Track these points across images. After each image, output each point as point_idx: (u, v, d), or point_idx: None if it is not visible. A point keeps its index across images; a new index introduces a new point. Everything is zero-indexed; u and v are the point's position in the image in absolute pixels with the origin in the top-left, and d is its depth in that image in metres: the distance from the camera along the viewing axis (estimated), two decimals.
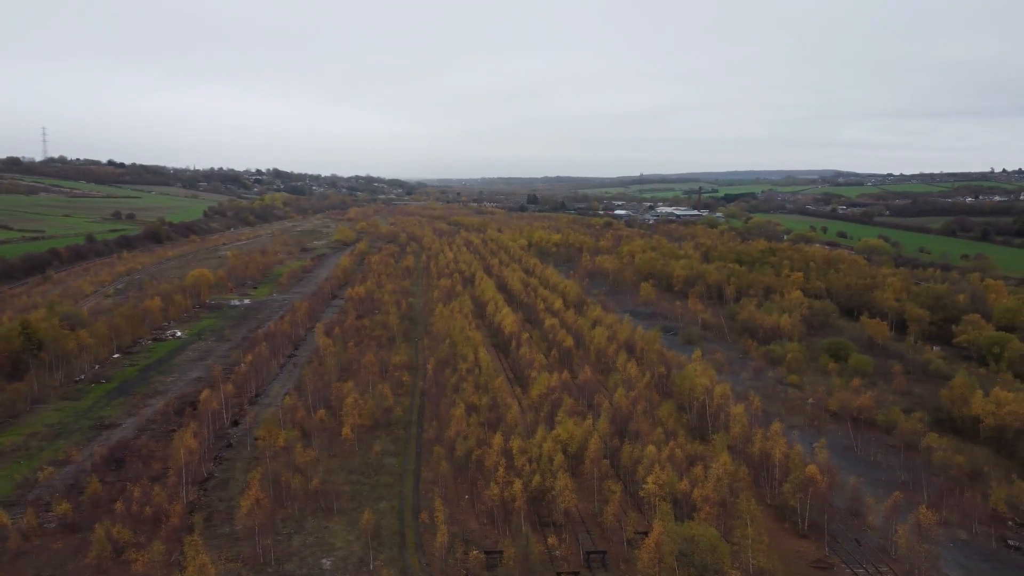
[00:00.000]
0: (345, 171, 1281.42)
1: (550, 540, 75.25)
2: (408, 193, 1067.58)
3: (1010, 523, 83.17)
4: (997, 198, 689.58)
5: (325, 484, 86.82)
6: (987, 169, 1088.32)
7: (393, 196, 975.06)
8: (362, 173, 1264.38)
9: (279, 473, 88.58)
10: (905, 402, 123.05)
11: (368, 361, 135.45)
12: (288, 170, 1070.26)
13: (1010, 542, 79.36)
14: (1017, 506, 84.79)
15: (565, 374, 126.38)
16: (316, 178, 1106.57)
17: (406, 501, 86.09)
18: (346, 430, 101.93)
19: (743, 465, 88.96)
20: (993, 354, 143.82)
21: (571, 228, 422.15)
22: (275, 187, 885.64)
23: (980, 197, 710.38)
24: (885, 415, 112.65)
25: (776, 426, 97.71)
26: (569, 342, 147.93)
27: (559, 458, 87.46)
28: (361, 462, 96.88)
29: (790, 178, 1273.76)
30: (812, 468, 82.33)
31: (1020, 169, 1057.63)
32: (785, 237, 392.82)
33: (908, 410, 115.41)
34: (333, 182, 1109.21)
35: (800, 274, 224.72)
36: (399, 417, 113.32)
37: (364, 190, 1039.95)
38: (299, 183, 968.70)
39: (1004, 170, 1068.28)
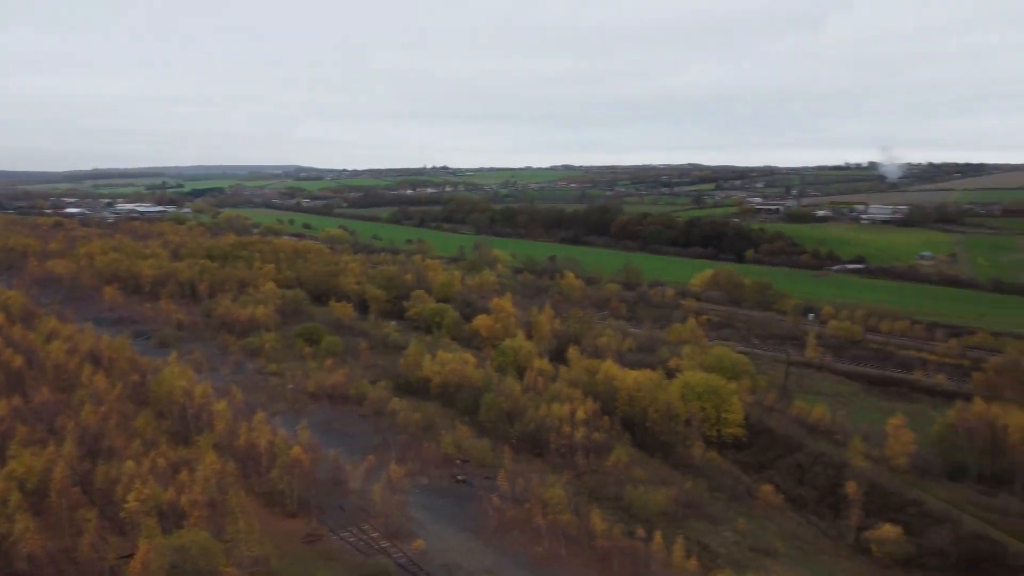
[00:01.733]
0: None
1: None
2: None
3: (457, 462, 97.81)
4: (429, 190, 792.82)
5: None
6: (421, 165, 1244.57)
7: None
8: None
9: None
10: (372, 374, 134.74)
11: None
12: None
13: (459, 478, 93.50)
14: (460, 446, 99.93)
15: (16, 399, 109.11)
16: None
17: None
18: None
19: (231, 461, 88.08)
20: (436, 323, 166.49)
21: (11, 230, 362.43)
22: None
23: (417, 189, 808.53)
24: (356, 388, 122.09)
25: (260, 416, 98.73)
26: (18, 361, 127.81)
27: (15, 497, 75.60)
28: None
29: (256, 173, 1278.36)
30: (296, 449, 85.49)
31: (444, 165, 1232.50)
32: (255, 231, 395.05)
33: (375, 380, 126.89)
34: None
35: (272, 266, 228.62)
36: None
37: None
38: None
39: (433, 166, 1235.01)
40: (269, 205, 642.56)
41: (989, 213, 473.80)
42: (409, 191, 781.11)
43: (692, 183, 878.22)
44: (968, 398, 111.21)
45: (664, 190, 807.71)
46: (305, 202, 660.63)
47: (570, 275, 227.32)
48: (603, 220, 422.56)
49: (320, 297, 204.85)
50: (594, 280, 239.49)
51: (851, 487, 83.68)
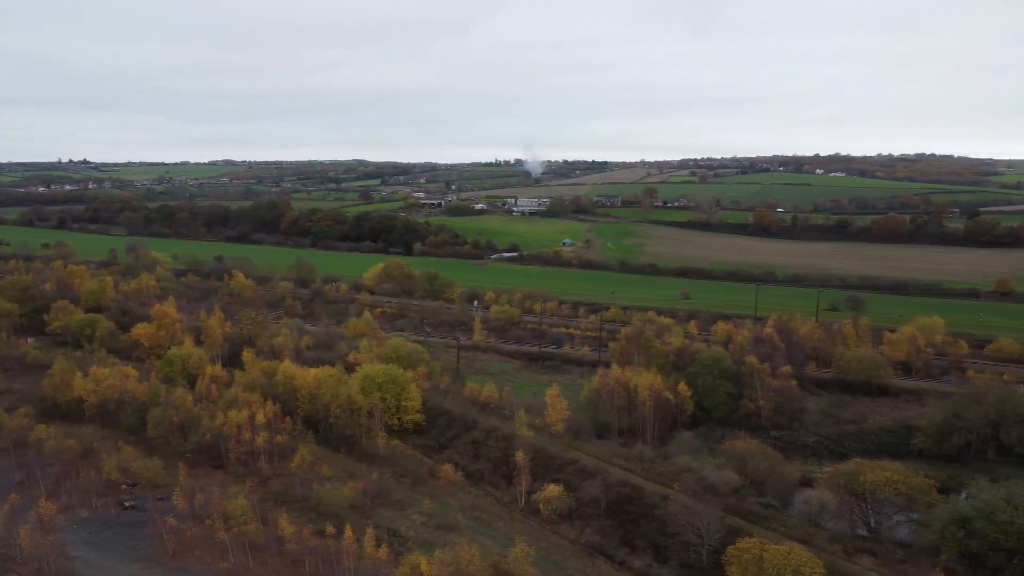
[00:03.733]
0: None
1: None
2: None
3: (124, 487, 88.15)
4: (68, 187, 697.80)
5: None
6: (55, 159, 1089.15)
7: None
8: None
9: None
10: (8, 400, 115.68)
11: None
12: None
13: (126, 503, 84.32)
14: (126, 469, 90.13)
15: None
16: None
17: None
18: None
19: None
20: (86, 336, 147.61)
21: None
22: None
23: (52, 186, 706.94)
24: None
25: None
26: None
27: None
28: None
29: None
30: None
31: (85, 160, 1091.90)
32: None
33: (12, 408, 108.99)
34: None
35: None
36: None
37: None
38: None
39: (71, 160, 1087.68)
40: None
41: (613, 204, 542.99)
42: (43, 188, 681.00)
43: (358, 179, 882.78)
44: (607, 365, 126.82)
45: (331, 186, 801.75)
46: None
47: (239, 275, 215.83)
48: (271, 217, 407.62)
49: None
50: (266, 279, 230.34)
51: (519, 456, 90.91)
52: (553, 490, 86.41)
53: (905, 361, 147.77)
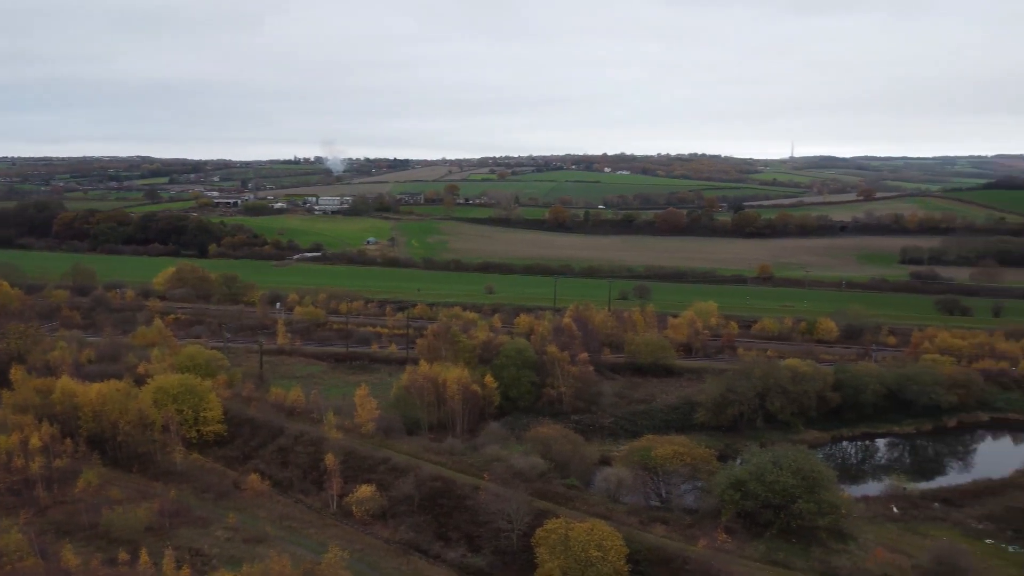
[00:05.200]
0: None
1: None
2: None
3: None
4: None
5: None
6: None
7: None
8: None
9: None
10: None
11: None
12: None
13: None
14: None
15: None
16: None
17: None
18: None
19: None
20: None
21: None
22: None
23: None
24: None
25: None
26: None
27: None
28: None
29: None
30: None
31: None
32: None
33: None
34: None
35: None
36: None
37: None
38: None
39: None
40: None
41: (416, 202, 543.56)
42: None
43: (144, 176, 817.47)
44: (415, 362, 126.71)
45: (113, 184, 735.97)
46: None
47: (4, 284, 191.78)
48: (41, 218, 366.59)
49: None
50: (37, 287, 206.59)
51: (329, 459, 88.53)
52: (365, 491, 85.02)
53: (686, 343, 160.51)
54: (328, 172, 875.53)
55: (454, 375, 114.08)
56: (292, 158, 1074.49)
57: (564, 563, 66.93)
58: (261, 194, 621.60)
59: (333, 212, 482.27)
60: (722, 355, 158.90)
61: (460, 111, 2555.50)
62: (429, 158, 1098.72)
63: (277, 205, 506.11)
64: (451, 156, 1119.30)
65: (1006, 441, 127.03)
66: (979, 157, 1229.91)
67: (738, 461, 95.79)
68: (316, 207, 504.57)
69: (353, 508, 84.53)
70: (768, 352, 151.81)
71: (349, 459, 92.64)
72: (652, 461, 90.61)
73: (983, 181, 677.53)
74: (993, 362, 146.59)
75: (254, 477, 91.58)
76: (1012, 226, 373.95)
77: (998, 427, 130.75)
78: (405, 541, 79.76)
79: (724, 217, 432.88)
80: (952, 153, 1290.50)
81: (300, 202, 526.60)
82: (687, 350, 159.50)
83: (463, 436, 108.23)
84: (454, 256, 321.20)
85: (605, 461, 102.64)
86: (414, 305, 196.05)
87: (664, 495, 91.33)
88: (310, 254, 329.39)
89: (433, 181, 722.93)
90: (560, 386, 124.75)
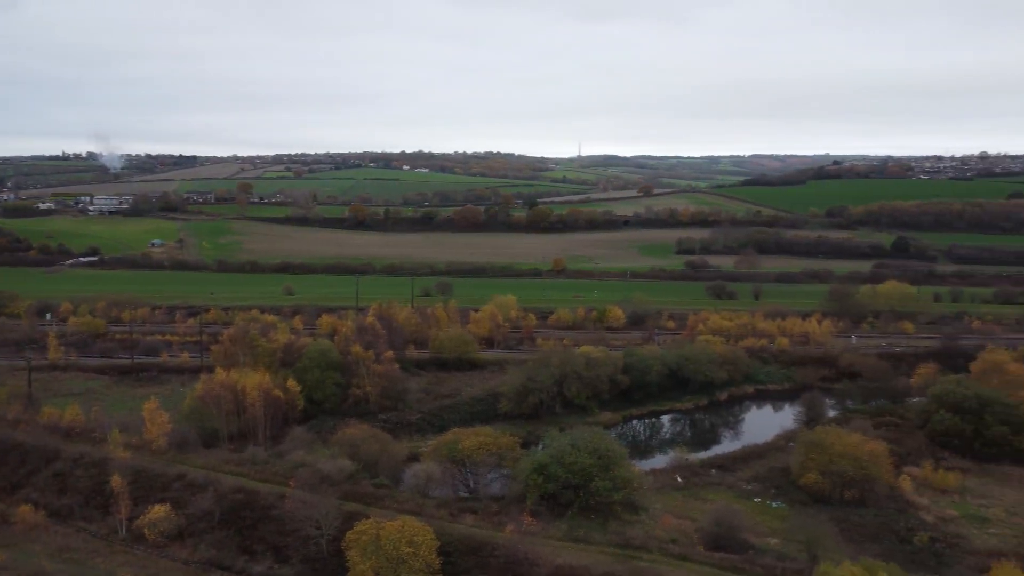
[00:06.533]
0: None
1: None
2: None
3: None
4: None
5: None
6: None
7: None
8: None
9: None
10: None
11: None
12: None
13: None
14: None
15: None
16: None
17: None
18: None
19: None
20: None
21: None
22: None
23: None
24: None
25: None
26: None
27: None
28: None
29: None
30: None
31: None
32: None
33: None
34: None
35: None
36: None
37: None
38: None
39: None
40: None
41: (206, 201, 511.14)
42: None
43: None
44: (211, 370, 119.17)
45: None
46: None
47: None
48: None
49: None
50: None
51: (115, 480, 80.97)
52: (159, 511, 78.67)
53: (489, 336, 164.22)
54: (104, 169, 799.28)
55: (254, 381, 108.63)
56: (60, 154, 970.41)
57: (376, 563, 66.11)
58: (24, 193, 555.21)
59: (111, 213, 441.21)
60: (522, 346, 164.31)
61: (251, 106, 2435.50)
62: (219, 155, 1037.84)
63: (44, 205, 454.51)
64: (243, 153, 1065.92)
65: (767, 410, 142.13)
66: (739, 157, 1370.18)
67: (540, 446, 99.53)
68: (91, 207, 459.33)
69: (146, 531, 77.92)
70: (564, 341, 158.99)
71: (139, 479, 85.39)
72: (459, 453, 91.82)
73: (742, 178, 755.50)
74: (755, 340, 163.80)
75: (25, 508, 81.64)
76: (766, 218, 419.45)
77: (761, 398, 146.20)
78: (206, 560, 74.89)
79: (519, 213, 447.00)
80: (717, 153, 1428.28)
81: (71, 202, 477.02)
82: (489, 343, 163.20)
83: (266, 444, 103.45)
84: (250, 257, 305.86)
85: (414, 457, 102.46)
86: (207, 310, 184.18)
87: (472, 485, 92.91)
88: (85, 259, 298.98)
89: (224, 179, 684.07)
90: (366, 385, 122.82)
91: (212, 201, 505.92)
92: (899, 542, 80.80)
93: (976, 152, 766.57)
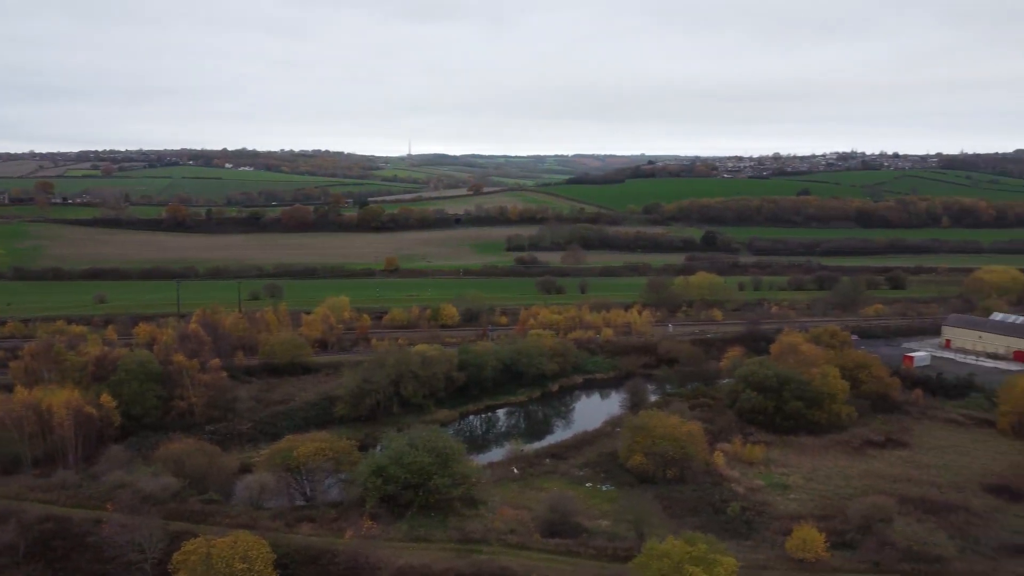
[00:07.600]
0: None
1: None
2: None
3: None
4: None
5: None
6: None
7: None
8: None
9: None
10: None
11: None
12: None
13: None
14: None
15: None
16: None
17: None
18: None
19: None
20: None
21: None
22: None
23: None
24: None
25: None
26: None
27: None
28: None
29: None
30: None
31: None
32: None
33: None
34: None
35: None
36: None
37: None
38: None
39: None
40: None
41: (0, 202, 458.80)
42: None
43: None
44: (10, 389, 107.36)
45: None
46: None
47: None
48: None
49: None
50: None
51: None
52: None
53: (322, 339, 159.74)
54: None
55: (61, 398, 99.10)
56: None
57: None
58: None
59: None
60: (357, 347, 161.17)
61: (52, 98, 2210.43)
62: (14, 151, 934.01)
63: None
64: (41, 149, 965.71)
65: (596, 398, 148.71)
66: (563, 156, 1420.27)
67: (379, 448, 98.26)
68: None
69: None
70: (399, 340, 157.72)
71: None
72: (294, 461, 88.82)
73: (566, 177, 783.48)
74: (583, 332, 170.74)
75: None
76: (589, 215, 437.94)
77: (590, 387, 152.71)
78: None
79: (350, 212, 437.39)
80: (543, 152, 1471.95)
81: None
82: (323, 346, 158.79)
83: (79, 466, 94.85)
84: (53, 263, 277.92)
85: (246, 469, 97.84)
86: (3, 322, 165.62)
87: (309, 493, 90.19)
88: None
89: (20, 177, 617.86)
90: (191, 396, 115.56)
91: (6, 202, 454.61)
92: (714, 513, 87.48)
93: (771, 153, 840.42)
